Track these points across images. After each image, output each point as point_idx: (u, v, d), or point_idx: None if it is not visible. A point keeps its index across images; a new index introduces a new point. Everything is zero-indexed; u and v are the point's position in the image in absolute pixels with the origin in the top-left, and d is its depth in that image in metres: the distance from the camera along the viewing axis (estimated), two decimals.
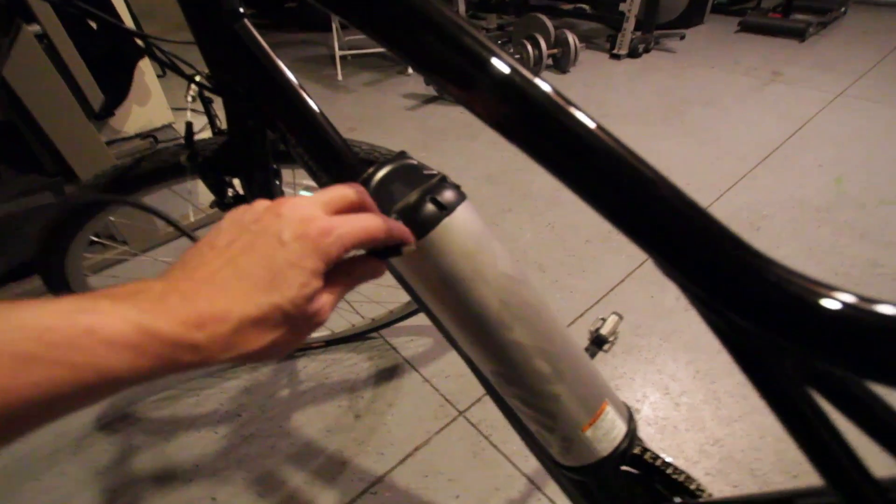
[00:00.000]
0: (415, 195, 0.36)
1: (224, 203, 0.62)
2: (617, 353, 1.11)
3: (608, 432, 0.42)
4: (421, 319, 1.13)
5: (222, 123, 0.59)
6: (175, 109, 2.25)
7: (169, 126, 2.23)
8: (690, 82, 2.49)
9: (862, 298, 0.18)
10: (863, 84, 2.33)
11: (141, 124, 2.14)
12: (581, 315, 1.22)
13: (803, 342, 0.19)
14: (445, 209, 0.36)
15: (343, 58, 2.73)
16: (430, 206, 0.35)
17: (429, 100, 2.42)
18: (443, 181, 0.38)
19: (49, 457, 0.96)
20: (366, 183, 0.37)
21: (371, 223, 0.28)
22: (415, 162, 0.40)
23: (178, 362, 0.20)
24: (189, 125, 0.55)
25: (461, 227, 0.36)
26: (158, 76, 2.19)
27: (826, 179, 1.68)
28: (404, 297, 1.08)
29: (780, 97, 2.27)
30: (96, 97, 1.47)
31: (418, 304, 0.49)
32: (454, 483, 0.90)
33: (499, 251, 0.38)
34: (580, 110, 0.25)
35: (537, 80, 0.26)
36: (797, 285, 0.19)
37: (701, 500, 0.47)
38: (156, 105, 2.16)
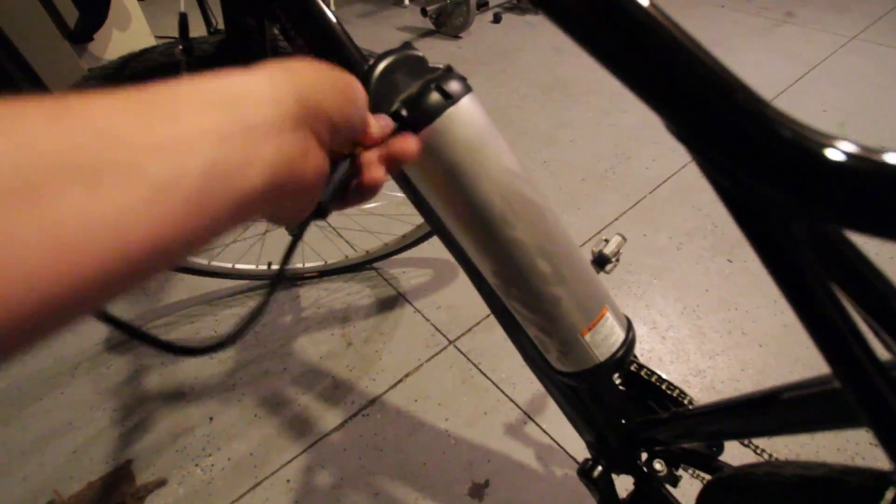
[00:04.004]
0: (420, 84, 0.34)
1: None
2: (608, 288, 1.12)
3: (607, 338, 0.43)
4: (415, 253, 1.13)
5: (218, 22, 0.55)
6: (158, 37, 2.14)
7: None
8: (698, 21, 2.38)
9: (870, 149, 0.17)
10: (877, 28, 2.24)
11: (122, 51, 2.04)
12: None
13: (809, 195, 0.18)
14: (451, 98, 0.34)
15: None
16: (435, 95, 0.34)
17: (425, 33, 2.31)
18: (449, 71, 0.36)
19: (50, 379, 0.98)
20: (369, 73, 0.35)
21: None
22: (420, 54, 0.38)
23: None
24: (183, 16, 0.52)
25: (466, 118, 0.35)
26: (139, 0, 2.06)
27: (829, 124, 1.64)
28: (398, 230, 1.08)
29: (790, 39, 2.18)
30: (72, 17, 1.39)
31: (421, 211, 0.48)
32: (443, 407, 0.93)
33: (503, 146, 0.37)
34: None
35: None
36: (800, 135, 0.18)
37: (692, 407, 0.49)
38: (137, 31, 2.05)
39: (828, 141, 0.18)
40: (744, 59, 2.04)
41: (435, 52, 2.14)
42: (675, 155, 1.49)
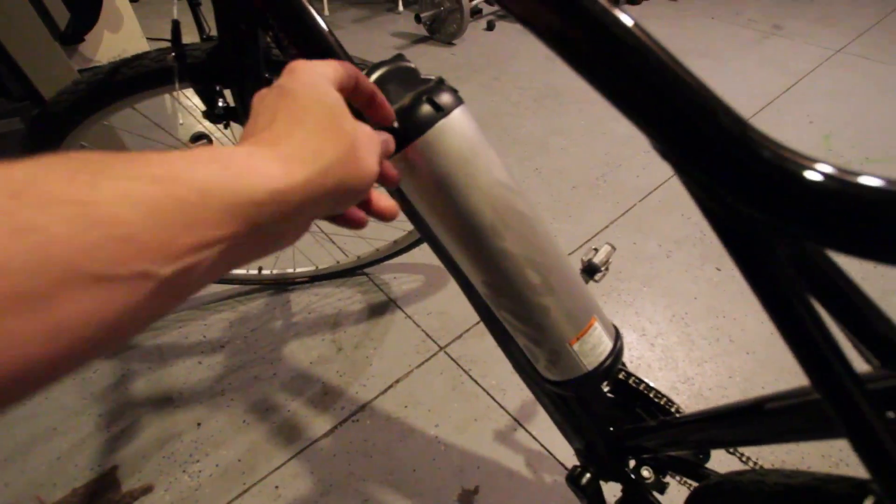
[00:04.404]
0: (412, 95, 0.35)
1: (214, 114, 0.60)
2: (598, 296, 1.13)
3: (595, 347, 0.43)
4: (405, 258, 1.13)
5: (211, 29, 0.55)
6: (150, 39, 2.13)
7: None
8: (689, 32, 2.42)
9: (845, 171, 0.18)
10: (863, 41, 2.29)
11: (114, 53, 2.03)
12: None
13: (786, 214, 0.19)
14: (442, 111, 0.35)
15: None
16: (426, 107, 0.34)
17: (419, 39, 2.32)
18: (440, 83, 0.36)
19: None
20: None
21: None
22: (412, 65, 0.38)
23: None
24: (176, 23, 0.52)
25: (457, 130, 0.35)
26: (132, 1, 2.05)
27: (815, 135, 1.67)
28: (390, 236, 1.08)
29: (778, 51, 2.23)
30: (63, 17, 1.38)
31: (410, 219, 0.48)
32: (433, 413, 0.93)
33: (494, 159, 0.38)
34: None
35: None
36: (780, 157, 0.18)
37: (679, 415, 0.49)
38: (129, 32, 2.04)
39: (806, 163, 0.18)
40: (733, 69, 2.08)
41: (428, 58, 2.16)
42: (664, 164, 1.51)
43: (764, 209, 0.20)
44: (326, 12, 2.56)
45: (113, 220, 0.13)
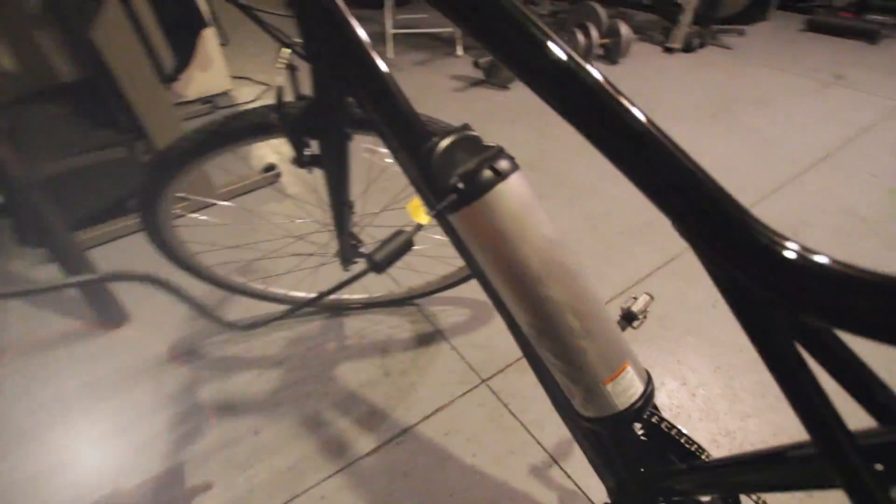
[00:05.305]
0: (475, 162, 0.42)
1: (302, 161, 0.70)
2: (640, 341, 1.15)
3: (626, 389, 0.47)
4: (455, 293, 1.20)
5: (302, 90, 0.66)
6: (234, 78, 2.37)
7: (226, 94, 2.35)
8: (745, 81, 2.42)
9: (820, 254, 0.23)
10: None
11: (201, 90, 2.27)
12: (607, 302, 1.26)
13: (780, 291, 0.24)
14: (500, 175, 0.41)
15: (395, 36, 2.78)
16: (487, 172, 0.41)
17: (475, 83, 2.45)
18: (500, 152, 0.43)
19: (119, 383, 1.09)
20: (432, 150, 0.43)
21: None
22: (476, 133, 0.46)
23: None
24: (280, 89, 0.62)
25: (512, 193, 0.42)
26: (221, 45, 2.29)
27: (879, 191, 1.63)
28: (441, 270, 1.15)
29: (839, 101, 2.19)
30: (169, 61, 1.58)
31: (468, 264, 0.55)
32: (472, 442, 0.97)
33: (543, 218, 0.44)
34: (623, 96, 0.30)
35: (586, 66, 0.31)
36: (772, 240, 0.24)
37: (709, 460, 0.52)
38: (216, 72, 2.28)
39: (796, 248, 0.24)
40: (792, 120, 2.06)
41: (484, 101, 2.27)
42: None
43: (761, 285, 0.25)
44: (390, 54, 2.75)
45: None
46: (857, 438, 0.27)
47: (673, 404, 1.02)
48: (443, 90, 2.38)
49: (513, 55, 0.33)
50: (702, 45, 2.78)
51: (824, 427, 0.27)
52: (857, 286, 0.22)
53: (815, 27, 3.02)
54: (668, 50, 2.76)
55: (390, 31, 2.69)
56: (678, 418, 1.01)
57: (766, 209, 1.56)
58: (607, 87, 0.30)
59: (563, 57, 0.31)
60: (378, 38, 2.94)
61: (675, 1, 2.65)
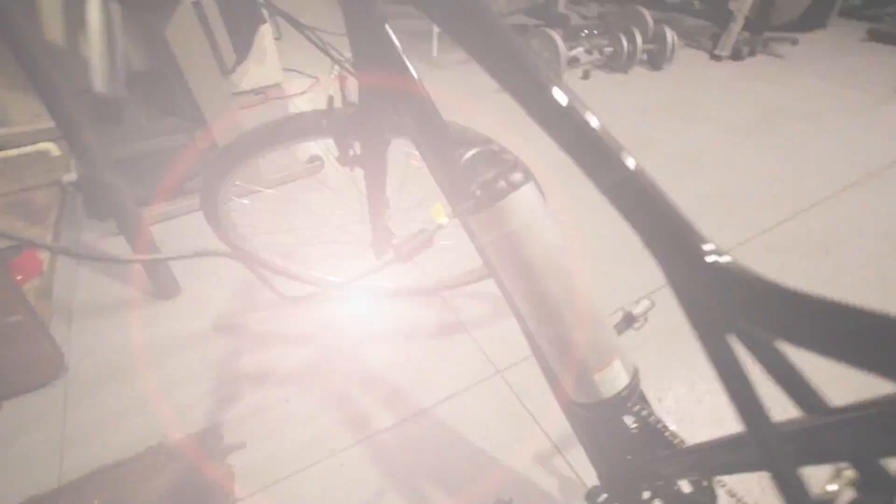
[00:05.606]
0: (491, 173, 0.49)
1: (346, 160, 0.79)
2: (651, 350, 1.18)
3: (613, 380, 0.53)
4: (477, 288, 1.27)
5: (349, 98, 0.74)
6: (286, 70, 2.49)
7: (277, 85, 2.48)
8: (792, 92, 2.36)
9: (756, 275, 0.29)
10: None
11: (254, 81, 2.41)
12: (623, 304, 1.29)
13: (711, 296, 0.30)
14: (514, 186, 0.48)
15: (440, 34, 2.85)
16: (501, 183, 0.48)
17: None
18: (516, 165, 0.50)
19: (168, 346, 1.22)
20: (457, 160, 0.50)
21: None
22: (496, 147, 0.52)
23: None
24: (331, 98, 0.71)
25: (523, 202, 0.49)
26: (276, 38, 2.42)
27: None
28: (465, 266, 1.22)
29: (895, 118, 2.11)
30: (231, 56, 1.70)
31: (484, 262, 0.62)
32: (483, 428, 1.04)
33: (550, 225, 0.50)
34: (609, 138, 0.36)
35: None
36: (708, 253, 0.30)
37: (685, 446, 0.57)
38: (270, 65, 2.41)
39: (728, 261, 0.29)
40: (837, 135, 2.00)
41: None
42: (739, 227, 1.52)
43: (697, 289, 0.31)
44: (435, 53, 2.83)
45: None
46: (777, 427, 0.32)
47: (679, 408, 1.06)
48: (484, 91, 2.42)
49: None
50: (751, 54, 2.71)
51: (752, 415, 0.33)
52: (770, 295, 0.28)
53: (876, 36, 2.88)
54: (716, 57, 2.71)
55: (437, 28, 2.75)
56: (683, 423, 1.04)
57: (799, 225, 1.55)
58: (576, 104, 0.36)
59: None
60: (424, 35, 3.01)
61: (728, 6, 2.60)
